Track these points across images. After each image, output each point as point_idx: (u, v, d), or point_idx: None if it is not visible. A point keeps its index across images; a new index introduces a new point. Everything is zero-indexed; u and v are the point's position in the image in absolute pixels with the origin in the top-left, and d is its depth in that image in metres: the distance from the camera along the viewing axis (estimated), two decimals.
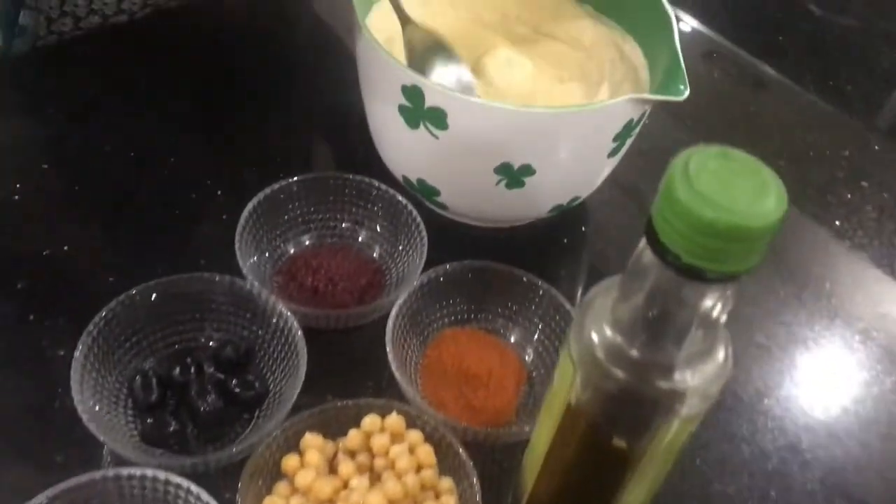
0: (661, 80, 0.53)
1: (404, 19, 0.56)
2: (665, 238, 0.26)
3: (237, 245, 0.50)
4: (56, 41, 0.68)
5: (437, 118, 0.49)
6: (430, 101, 0.48)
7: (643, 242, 0.27)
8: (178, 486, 0.39)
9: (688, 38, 0.85)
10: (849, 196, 0.68)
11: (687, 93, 0.49)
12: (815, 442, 0.51)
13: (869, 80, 0.84)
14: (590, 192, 0.57)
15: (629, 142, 0.54)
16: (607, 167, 0.55)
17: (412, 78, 0.48)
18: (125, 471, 0.39)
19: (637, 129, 0.53)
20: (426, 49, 0.55)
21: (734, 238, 0.25)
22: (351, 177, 0.55)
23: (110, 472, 0.39)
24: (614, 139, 0.51)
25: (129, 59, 0.68)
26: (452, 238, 0.57)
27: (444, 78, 0.55)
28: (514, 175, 0.51)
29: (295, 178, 0.53)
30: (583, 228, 0.61)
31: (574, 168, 0.53)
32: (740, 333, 0.56)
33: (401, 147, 0.54)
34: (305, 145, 0.64)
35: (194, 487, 0.39)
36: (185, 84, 0.67)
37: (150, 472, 0.39)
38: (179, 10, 0.72)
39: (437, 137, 0.50)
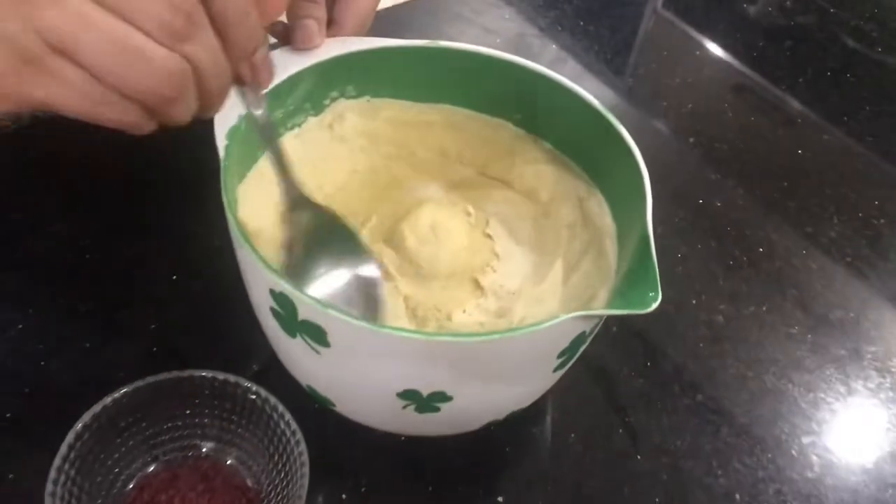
0: (625, 276, 0.39)
1: (295, 201, 0.41)
2: None
3: (49, 489, 0.37)
4: None
5: (316, 334, 0.36)
6: (303, 314, 0.36)
7: None
8: None
9: (717, 71, 0.81)
10: (882, 239, 0.63)
11: (657, 303, 0.36)
12: None
13: None
14: (532, 401, 0.44)
15: (584, 348, 0.41)
16: (553, 380, 0.42)
17: (280, 285, 0.35)
18: None
19: (592, 336, 0.40)
20: (319, 230, 0.41)
21: None
22: (219, 378, 0.41)
23: None
24: (560, 355, 0.38)
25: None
26: (359, 441, 0.44)
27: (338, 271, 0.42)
28: (423, 402, 0.38)
29: (136, 386, 0.40)
30: (532, 430, 0.48)
31: (505, 391, 0.40)
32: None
33: (283, 350, 0.42)
34: (183, 321, 0.50)
35: None
36: (48, 231, 0.54)
37: None
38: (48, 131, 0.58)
39: (318, 353, 0.37)
